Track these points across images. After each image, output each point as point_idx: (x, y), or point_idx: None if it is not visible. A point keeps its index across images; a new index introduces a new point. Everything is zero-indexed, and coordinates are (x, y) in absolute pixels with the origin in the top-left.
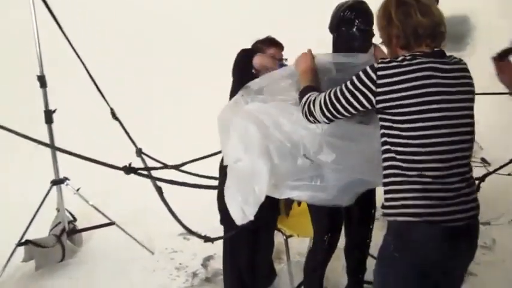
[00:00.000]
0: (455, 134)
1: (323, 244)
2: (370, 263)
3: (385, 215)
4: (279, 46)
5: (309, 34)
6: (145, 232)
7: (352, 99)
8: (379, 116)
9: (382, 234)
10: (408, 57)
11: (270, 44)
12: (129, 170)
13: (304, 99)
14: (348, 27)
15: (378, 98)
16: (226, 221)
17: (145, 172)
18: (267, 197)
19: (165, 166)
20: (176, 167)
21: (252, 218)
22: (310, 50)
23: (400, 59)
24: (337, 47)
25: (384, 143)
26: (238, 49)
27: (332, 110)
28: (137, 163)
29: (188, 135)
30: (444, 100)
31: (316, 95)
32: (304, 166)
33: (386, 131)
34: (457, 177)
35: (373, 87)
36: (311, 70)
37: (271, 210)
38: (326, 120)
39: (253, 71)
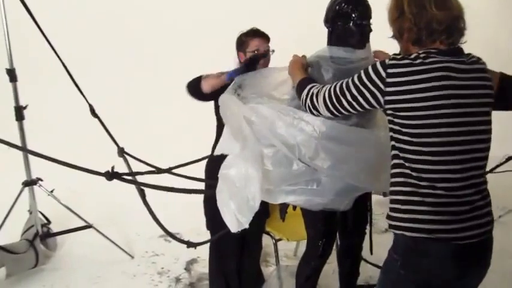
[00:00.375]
0: (471, 142)
1: (317, 250)
2: (363, 268)
3: (391, 227)
4: (264, 37)
5: (303, 28)
6: (124, 235)
7: (359, 97)
8: (388, 118)
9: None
10: (422, 55)
11: (254, 35)
12: (112, 175)
13: (305, 92)
14: (344, 22)
15: (387, 98)
16: (212, 225)
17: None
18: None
19: (153, 170)
20: (163, 171)
21: (247, 226)
22: (295, 55)
23: (413, 56)
24: (332, 43)
25: (393, 148)
26: (231, 46)
27: (337, 105)
28: (119, 163)
29: (173, 134)
30: (459, 104)
31: (319, 87)
32: (299, 171)
33: (395, 135)
34: (471, 189)
35: (382, 86)
36: (302, 66)
37: (261, 214)
38: (330, 115)
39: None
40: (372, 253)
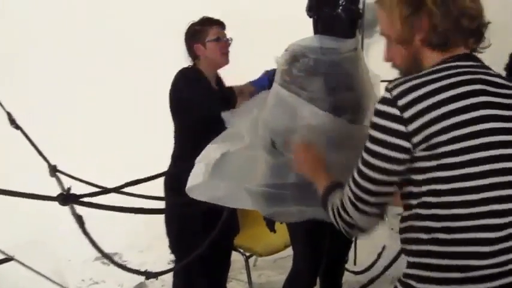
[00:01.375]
0: None
1: (306, 266)
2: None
3: None
4: (221, 24)
5: (285, 17)
6: (52, 262)
7: (387, 165)
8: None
9: None
10: (440, 66)
11: (211, 23)
12: (66, 199)
13: (329, 209)
14: (331, 8)
15: (414, 139)
16: (178, 247)
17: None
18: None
19: (103, 191)
20: (117, 189)
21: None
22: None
23: (427, 71)
24: (318, 33)
25: (411, 207)
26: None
27: (368, 198)
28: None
29: (115, 148)
30: (503, 130)
31: (339, 194)
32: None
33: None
34: None
35: (403, 128)
36: (319, 163)
37: (229, 230)
38: (367, 217)
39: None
40: (355, 263)
